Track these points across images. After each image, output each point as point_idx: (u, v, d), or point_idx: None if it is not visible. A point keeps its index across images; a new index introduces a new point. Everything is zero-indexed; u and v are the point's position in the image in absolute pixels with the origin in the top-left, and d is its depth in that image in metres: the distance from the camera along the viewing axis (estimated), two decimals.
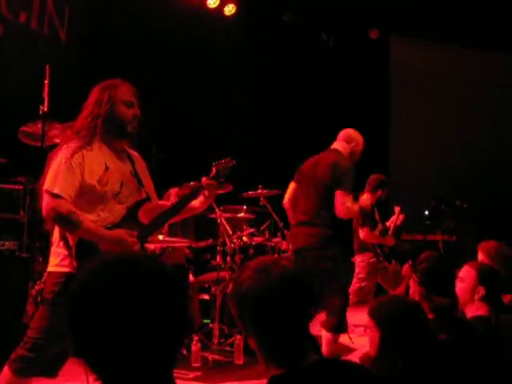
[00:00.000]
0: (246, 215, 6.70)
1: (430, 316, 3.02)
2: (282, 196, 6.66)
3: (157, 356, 1.37)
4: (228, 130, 8.84)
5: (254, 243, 6.05)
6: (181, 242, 5.91)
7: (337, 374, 1.79)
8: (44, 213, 3.19)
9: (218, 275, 5.76)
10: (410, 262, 3.25)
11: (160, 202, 3.79)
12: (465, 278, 3.33)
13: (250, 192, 6.59)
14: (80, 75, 7.33)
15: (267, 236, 6.20)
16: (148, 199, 3.52)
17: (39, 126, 5.55)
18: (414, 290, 3.14)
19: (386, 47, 10.95)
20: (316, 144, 9.81)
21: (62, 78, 6.58)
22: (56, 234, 3.30)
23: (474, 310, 3.31)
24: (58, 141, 5.99)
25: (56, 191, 3.15)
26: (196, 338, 5.17)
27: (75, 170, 3.21)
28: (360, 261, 6.21)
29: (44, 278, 3.32)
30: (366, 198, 5.05)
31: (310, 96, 9.93)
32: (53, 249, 3.32)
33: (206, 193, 3.64)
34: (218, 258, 5.78)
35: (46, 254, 5.83)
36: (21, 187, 5.70)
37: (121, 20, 7.63)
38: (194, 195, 3.65)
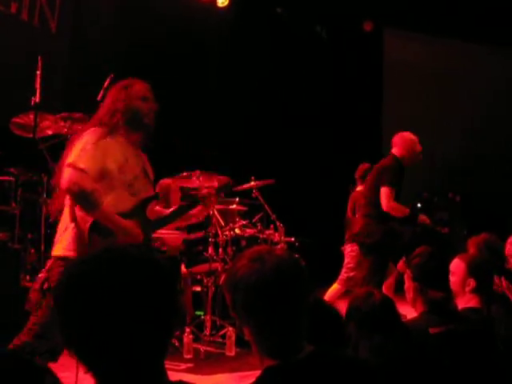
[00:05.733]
0: (238, 207, 6.70)
1: (424, 309, 3.04)
2: (274, 187, 6.67)
3: (146, 345, 1.37)
4: (220, 121, 8.82)
5: (246, 235, 6.05)
6: (173, 234, 5.91)
7: (332, 366, 1.79)
8: (65, 186, 3.22)
9: (210, 267, 5.76)
10: (405, 257, 3.25)
11: (157, 208, 3.87)
12: (455, 270, 3.33)
13: (243, 184, 6.59)
14: (69, 66, 7.31)
15: (259, 228, 6.20)
16: (156, 197, 3.69)
17: (31, 117, 5.54)
18: (408, 285, 3.14)
19: (379, 40, 10.93)
20: (309, 134, 9.86)
21: (52, 68, 6.55)
22: (66, 216, 3.33)
23: (464, 301, 3.32)
24: (50, 132, 5.99)
25: (81, 166, 3.21)
26: (188, 330, 5.18)
27: (100, 152, 3.30)
28: (350, 251, 6.21)
29: (48, 264, 3.34)
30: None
31: (303, 88, 9.91)
32: (59, 233, 3.35)
33: (206, 203, 3.79)
34: (210, 249, 5.77)
35: (37, 245, 5.84)
36: (12, 179, 5.68)
37: (112, 10, 7.59)
38: (191, 206, 3.82)
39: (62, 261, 3.22)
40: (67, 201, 3.34)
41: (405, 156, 5.68)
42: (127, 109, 3.49)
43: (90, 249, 3.12)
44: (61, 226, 3.36)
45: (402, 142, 5.73)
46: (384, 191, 5.49)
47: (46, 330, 3.15)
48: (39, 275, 3.47)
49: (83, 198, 3.20)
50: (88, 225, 3.20)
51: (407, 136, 5.79)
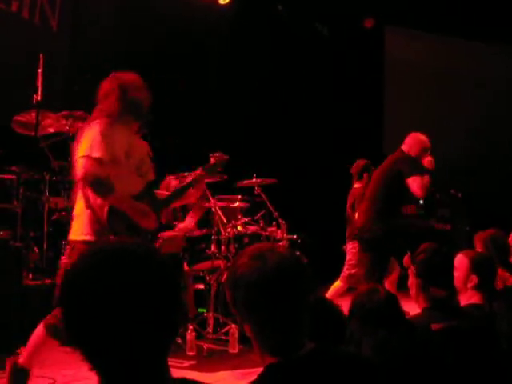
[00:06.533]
0: (240, 204, 6.69)
1: (427, 306, 3.03)
2: (275, 185, 6.67)
3: (150, 344, 1.36)
4: (220, 121, 8.81)
5: (248, 232, 6.04)
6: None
7: (334, 363, 1.78)
8: (80, 176, 3.45)
9: (212, 264, 5.76)
10: (409, 253, 3.25)
11: (157, 191, 4.15)
12: (458, 266, 3.33)
13: (245, 181, 6.59)
14: (69, 66, 7.30)
15: (262, 225, 6.20)
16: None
17: (33, 115, 5.54)
18: (412, 281, 3.13)
19: (380, 38, 10.91)
20: (310, 133, 9.85)
21: (53, 66, 6.55)
22: (80, 205, 3.54)
23: (467, 298, 3.32)
24: (51, 130, 6.00)
25: (96, 155, 3.44)
26: (191, 327, 5.18)
27: (108, 140, 3.52)
28: (351, 248, 6.21)
29: (68, 250, 3.58)
30: None
31: (304, 85, 9.90)
32: (75, 219, 3.57)
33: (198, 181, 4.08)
34: (213, 246, 5.77)
35: (40, 243, 5.85)
36: (14, 177, 5.68)
37: (112, 10, 7.58)
38: (192, 185, 4.06)
39: (80, 243, 3.42)
40: (81, 191, 3.55)
41: (411, 154, 5.77)
42: (125, 99, 3.69)
43: (109, 232, 3.37)
44: (75, 214, 3.57)
45: (410, 141, 5.84)
46: (415, 180, 5.50)
47: None
48: (62, 261, 3.62)
49: (98, 185, 3.41)
50: (105, 210, 3.39)
51: (417, 136, 5.89)
